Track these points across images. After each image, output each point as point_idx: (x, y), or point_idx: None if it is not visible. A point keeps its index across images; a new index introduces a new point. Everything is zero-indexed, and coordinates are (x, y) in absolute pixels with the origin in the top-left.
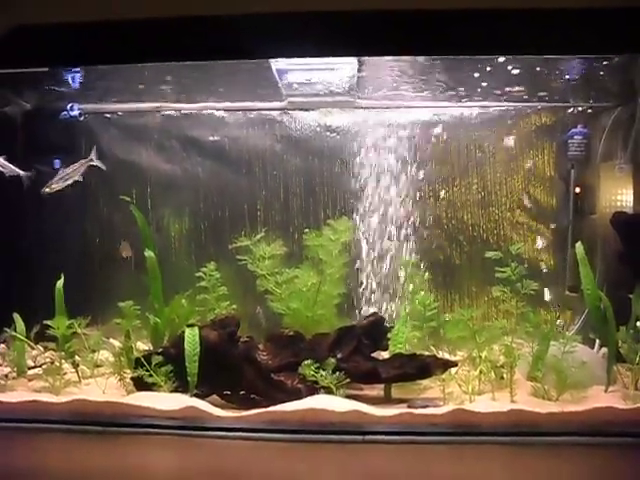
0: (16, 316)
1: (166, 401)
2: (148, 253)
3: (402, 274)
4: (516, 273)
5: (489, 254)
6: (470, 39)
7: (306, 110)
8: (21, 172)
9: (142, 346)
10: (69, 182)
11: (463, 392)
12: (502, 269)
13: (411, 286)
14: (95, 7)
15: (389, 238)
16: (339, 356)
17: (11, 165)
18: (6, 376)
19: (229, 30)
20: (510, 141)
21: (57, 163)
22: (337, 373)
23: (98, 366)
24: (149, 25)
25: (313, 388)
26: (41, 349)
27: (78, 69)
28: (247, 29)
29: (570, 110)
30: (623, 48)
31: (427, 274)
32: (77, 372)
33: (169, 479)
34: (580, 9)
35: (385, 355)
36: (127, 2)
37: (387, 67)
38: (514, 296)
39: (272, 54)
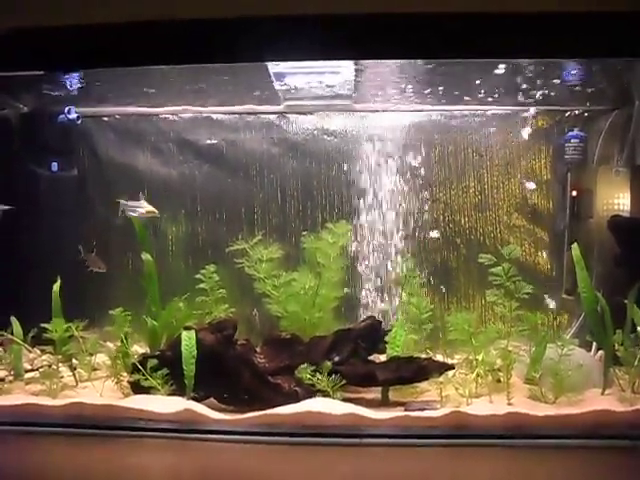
0: (13, 319)
1: (163, 404)
2: (145, 256)
3: (400, 276)
4: (508, 276)
5: (482, 258)
6: (469, 42)
7: (304, 113)
8: None
9: (139, 349)
10: None
11: (460, 395)
12: (494, 272)
13: (408, 289)
14: (92, 11)
15: (387, 240)
16: (336, 359)
17: None
18: (2, 379)
19: (226, 33)
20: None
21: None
22: (334, 376)
23: (95, 369)
24: (146, 28)
25: (310, 391)
26: (38, 352)
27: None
28: (244, 32)
29: (567, 113)
30: (622, 52)
31: (425, 277)
32: (74, 375)
33: None
34: (578, 13)
35: (382, 358)
36: (123, 5)
37: (385, 70)
38: (508, 299)
39: (269, 58)
